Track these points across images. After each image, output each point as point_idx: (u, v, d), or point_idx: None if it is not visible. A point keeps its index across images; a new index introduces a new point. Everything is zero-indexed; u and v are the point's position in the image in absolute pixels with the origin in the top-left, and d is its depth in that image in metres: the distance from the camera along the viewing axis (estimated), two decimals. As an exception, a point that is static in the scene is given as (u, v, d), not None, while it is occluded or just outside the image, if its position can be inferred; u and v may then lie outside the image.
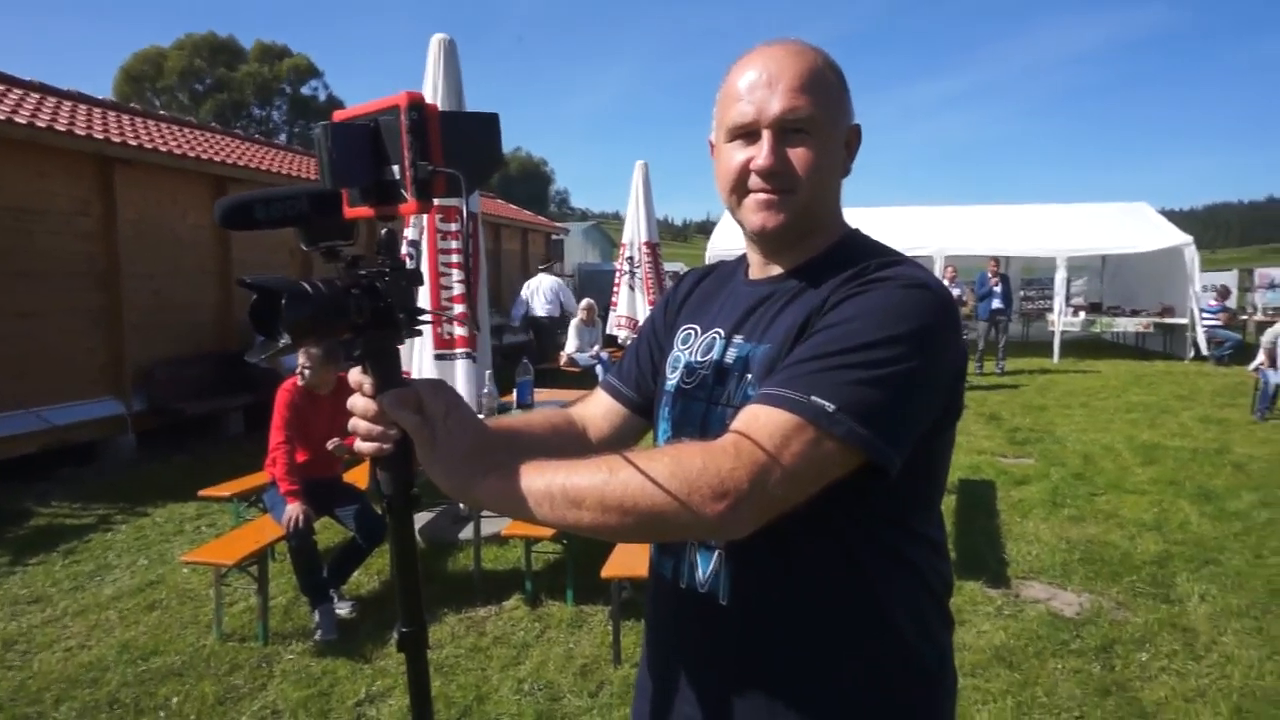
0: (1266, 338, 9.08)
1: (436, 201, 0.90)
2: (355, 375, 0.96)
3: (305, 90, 53.77)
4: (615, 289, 9.77)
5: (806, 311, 1.02)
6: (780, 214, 1.05)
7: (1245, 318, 17.46)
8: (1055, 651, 3.57)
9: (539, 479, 0.90)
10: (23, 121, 6.56)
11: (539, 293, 12.47)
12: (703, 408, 1.10)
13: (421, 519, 5.34)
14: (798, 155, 1.03)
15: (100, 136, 7.32)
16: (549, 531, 3.87)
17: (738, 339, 1.11)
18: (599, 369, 9.97)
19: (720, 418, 1.05)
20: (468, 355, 4.60)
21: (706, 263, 1.48)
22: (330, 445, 3.87)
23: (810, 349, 0.95)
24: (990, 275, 12.80)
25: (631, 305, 9.49)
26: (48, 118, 7.10)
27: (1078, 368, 13.64)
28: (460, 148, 0.89)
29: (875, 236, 1.15)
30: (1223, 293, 15.28)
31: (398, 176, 0.87)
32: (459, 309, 4.55)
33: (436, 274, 4.53)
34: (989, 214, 16.88)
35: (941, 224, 15.94)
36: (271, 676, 3.45)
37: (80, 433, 7.09)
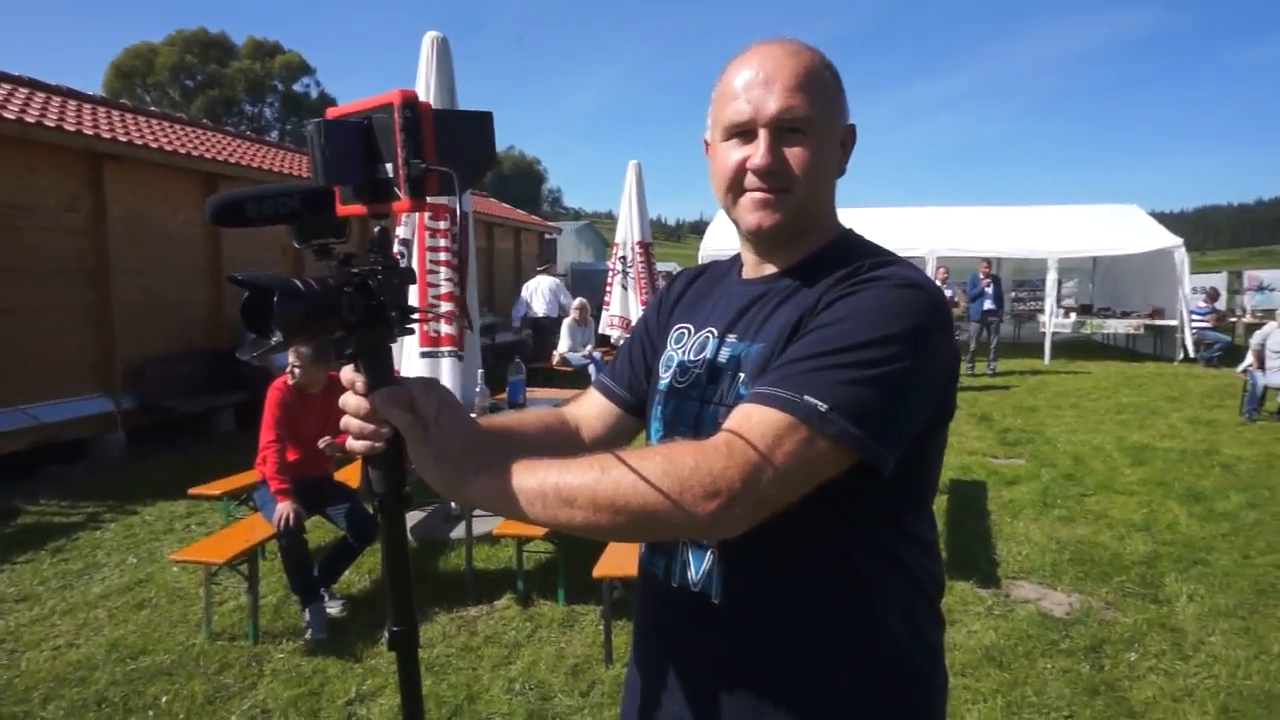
0: (1255, 340, 9.14)
1: (429, 200, 0.90)
2: (347, 373, 0.96)
3: (297, 87, 53.52)
4: (608, 289, 9.77)
5: (800, 311, 1.03)
6: (776, 213, 1.06)
7: (1234, 320, 17.59)
8: (1045, 651, 3.58)
9: (531, 478, 0.90)
10: (11, 117, 6.51)
11: (538, 293, 12.51)
12: (696, 407, 1.11)
13: (413, 518, 5.33)
14: (794, 154, 1.04)
15: (90, 132, 7.27)
16: (541, 531, 3.87)
17: (731, 338, 1.11)
18: (592, 368, 9.96)
19: (713, 417, 1.05)
20: (453, 354, 4.59)
21: (699, 262, 1.48)
22: (322, 444, 3.86)
23: (803, 348, 0.96)
24: (982, 276, 12.85)
25: (624, 305, 9.49)
26: (37, 113, 7.04)
27: (1068, 369, 13.70)
28: (453, 146, 0.89)
29: (868, 237, 1.15)
30: (1212, 295, 15.37)
31: (391, 174, 0.87)
32: (446, 307, 4.55)
33: (425, 272, 4.53)
34: (981, 215, 16.95)
35: (934, 225, 16.00)
36: (261, 675, 3.44)
37: (70, 430, 7.04)
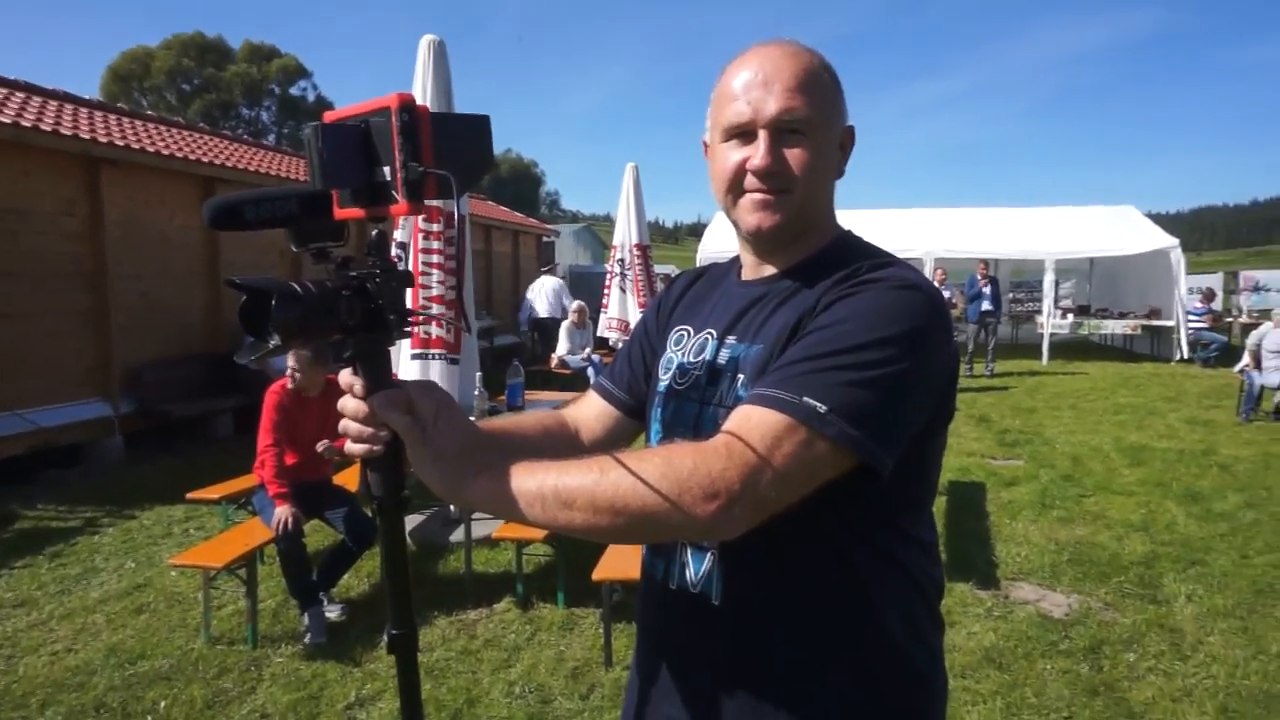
0: (1251, 340, 9.16)
1: (427, 203, 0.90)
2: (345, 376, 0.96)
3: (294, 91, 53.50)
4: (606, 291, 9.77)
5: (799, 312, 1.03)
6: (776, 214, 1.06)
7: (1231, 320, 17.62)
8: (1044, 652, 3.58)
9: (530, 480, 0.90)
10: (8, 121, 6.51)
11: (541, 294, 12.55)
12: (695, 408, 1.11)
13: (412, 521, 5.33)
14: (794, 155, 1.04)
15: (86, 136, 7.26)
16: (540, 534, 3.87)
17: (730, 340, 1.11)
18: (590, 371, 9.96)
19: (713, 418, 1.05)
20: (443, 357, 4.58)
21: (698, 265, 1.48)
22: (320, 447, 3.86)
23: (802, 350, 0.96)
24: (980, 277, 12.87)
25: (622, 307, 9.49)
26: (33, 117, 7.04)
27: (1066, 370, 13.72)
28: (451, 149, 0.89)
29: (866, 239, 1.15)
30: (1208, 295, 15.41)
31: (388, 178, 0.87)
32: (436, 309, 4.55)
33: (418, 274, 4.54)
34: (978, 217, 16.97)
35: (931, 226, 16.02)
36: (261, 680, 3.43)
37: (67, 435, 7.03)
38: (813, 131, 1.04)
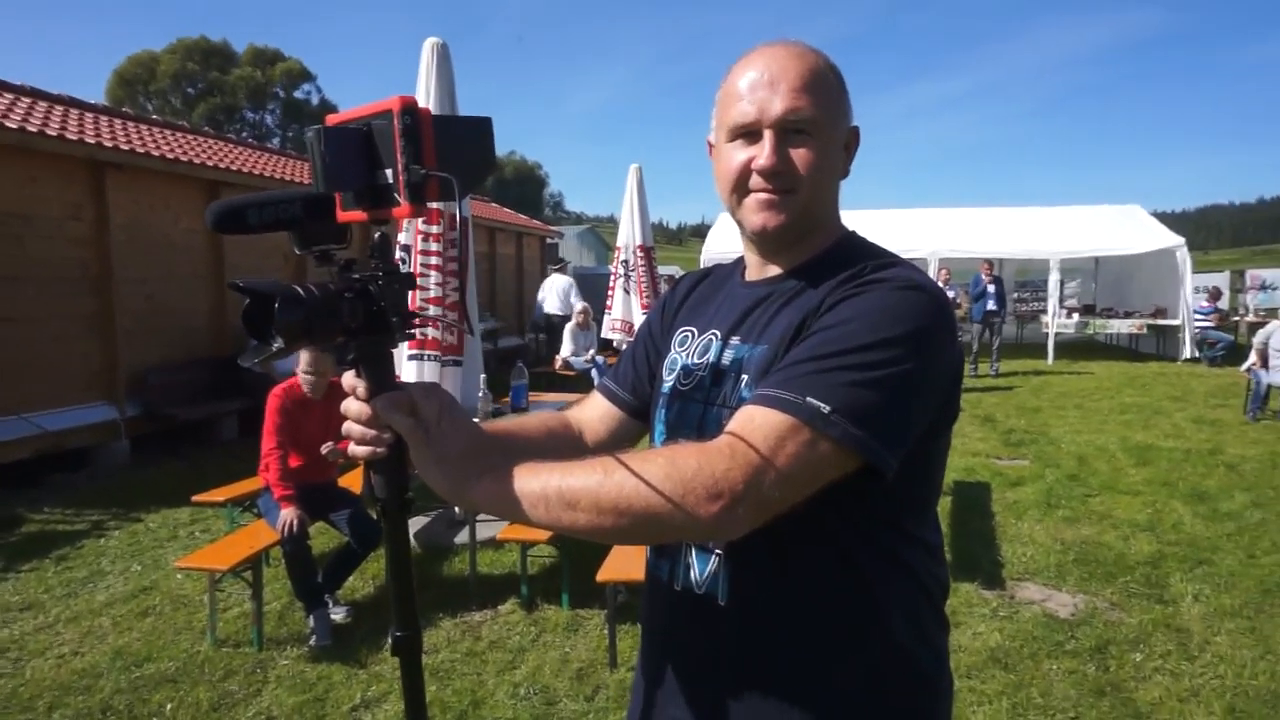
0: (1258, 338, 9.13)
1: (429, 205, 0.90)
2: (349, 379, 0.96)
3: (298, 94, 53.65)
4: (610, 293, 9.78)
5: (803, 313, 1.03)
6: (781, 214, 1.06)
7: (1237, 319, 17.56)
8: (1050, 653, 3.57)
9: (534, 481, 0.90)
10: (14, 126, 6.54)
11: (552, 292, 12.59)
12: (699, 409, 1.11)
13: (417, 523, 5.33)
14: (799, 155, 1.04)
15: (92, 141, 7.29)
16: (545, 535, 3.87)
17: (734, 340, 1.11)
18: (594, 372, 9.97)
19: (717, 419, 1.05)
20: (438, 358, 4.57)
21: (701, 266, 1.48)
22: (324, 450, 3.86)
23: (806, 350, 0.96)
24: (984, 277, 12.85)
25: (626, 309, 9.50)
26: (39, 122, 7.07)
27: (1072, 369, 13.69)
28: (453, 152, 0.89)
29: (870, 239, 1.15)
30: (1214, 294, 15.38)
31: (391, 180, 0.87)
32: (433, 310, 4.55)
33: (417, 276, 4.54)
34: (983, 216, 16.95)
35: (936, 226, 15.99)
36: (266, 682, 3.44)
37: (73, 438, 7.05)
38: (818, 132, 1.04)
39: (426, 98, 4.61)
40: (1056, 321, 15.07)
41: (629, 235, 9.52)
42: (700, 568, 1.08)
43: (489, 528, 4.66)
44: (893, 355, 0.93)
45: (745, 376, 1.06)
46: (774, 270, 1.14)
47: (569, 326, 10.75)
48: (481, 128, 0.95)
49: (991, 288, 12.73)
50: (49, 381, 6.92)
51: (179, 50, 48.56)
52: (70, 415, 7.05)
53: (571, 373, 10.18)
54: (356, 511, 4.04)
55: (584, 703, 3.24)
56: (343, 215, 0.93)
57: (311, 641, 3.71)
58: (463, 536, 4.89)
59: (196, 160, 8.70)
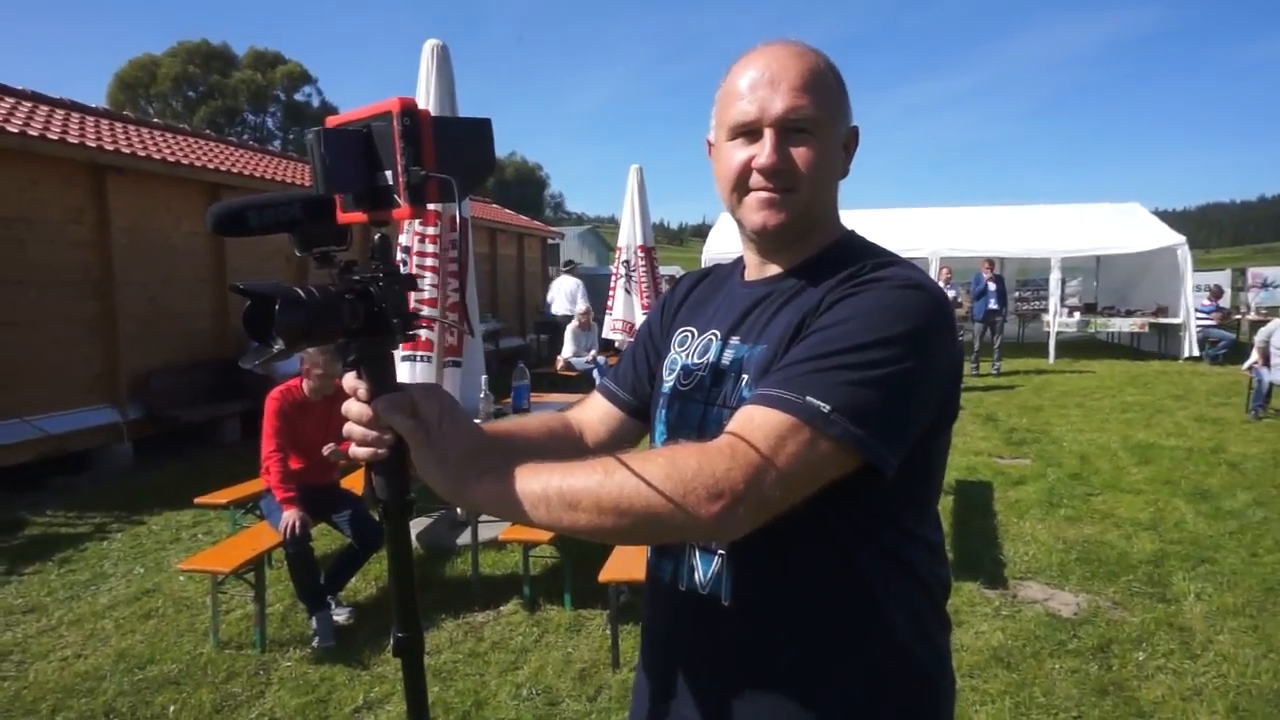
0: (1260, 336, 9.11)
1: (429, 206, 0.91)
2: (349, 380, 0.96)
3: (299, 97, 53.73)
4: (611, 293, 9.78)
5: (802, 312, 1.03)
6: (781, 213, 1.06)
7: (1239, 317, 17.54)
8: (1053, 652, 3.57)
9: (535, 481, 0.90)
10: (14, 130, 6.55)
11: (560, 293, 12.65)
12: (700, 409, 1.11)
13: (419, 524, 5.34)
14: (800, 154, 1.04)
15: (93, 144, 7.30)
16: (547, 536, 3.87)
17: (734, 340, 1.11)
18: (595, 373, 9.97)
19: (717, 419, 1.05)
20: (428, 358, 4.56)
21: (703, 266, 1.48)
22: (326, 451, 3.84)
23: (806, 350, 0.96)
24: (985, 276, 12.84)
25: (627, 309, 9.51)
26: (40, 126, 7.08)
27: (1073, 368, 13.68)
28: (453, 153, 0.89)
29: (871, 239, 1.15)
30: (1216, 292, 15.36)
31: (390, 182, 0.87)
32: (427, 311, 4.55)
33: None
34: (983, 215, 16.95)
35: (936, 225, 15.99)
36: (269, 684, 3.44)
37: (76, 441, 7.06)
38: (819, 131, 1.04)
39: (426, 99, 4.62)
40: (1058, 320, 15.06)
41: (630, 235, 9.53)
42: (704, 569, 1.08)
43: (491, 528, 4.66)
44: (892, 354, 0.93)
45: (745, 376, 1.06)
46: (773, 270, 1.14)
47: (570, 327, 10.76)
48: (481, 129, 0.95)
49: (993, 286, 12.72)
50: (51, 385, 6.93)
51: (180, 53, 48.64)
52: (72, 418, 7.05)
53: (573, 373, 10.19)
54: (358, 512, 4.04)
55: (586, 703, 3.24)
56: (343, 217, 0.93)
57: (314, 643, 3.71)
58: (465, 537, 4.89)
59: (198, 163, 8.70)
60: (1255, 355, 9.00)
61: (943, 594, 1.13)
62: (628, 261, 9.52)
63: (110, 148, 7.49)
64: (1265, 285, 18.70)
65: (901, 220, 16.21)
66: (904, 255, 1.08)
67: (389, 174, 0.87)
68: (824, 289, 1.03)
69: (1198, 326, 14.25)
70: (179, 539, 5.41)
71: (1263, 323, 10.54)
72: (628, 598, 3.70)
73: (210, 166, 8.87)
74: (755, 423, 0.90)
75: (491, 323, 14.12)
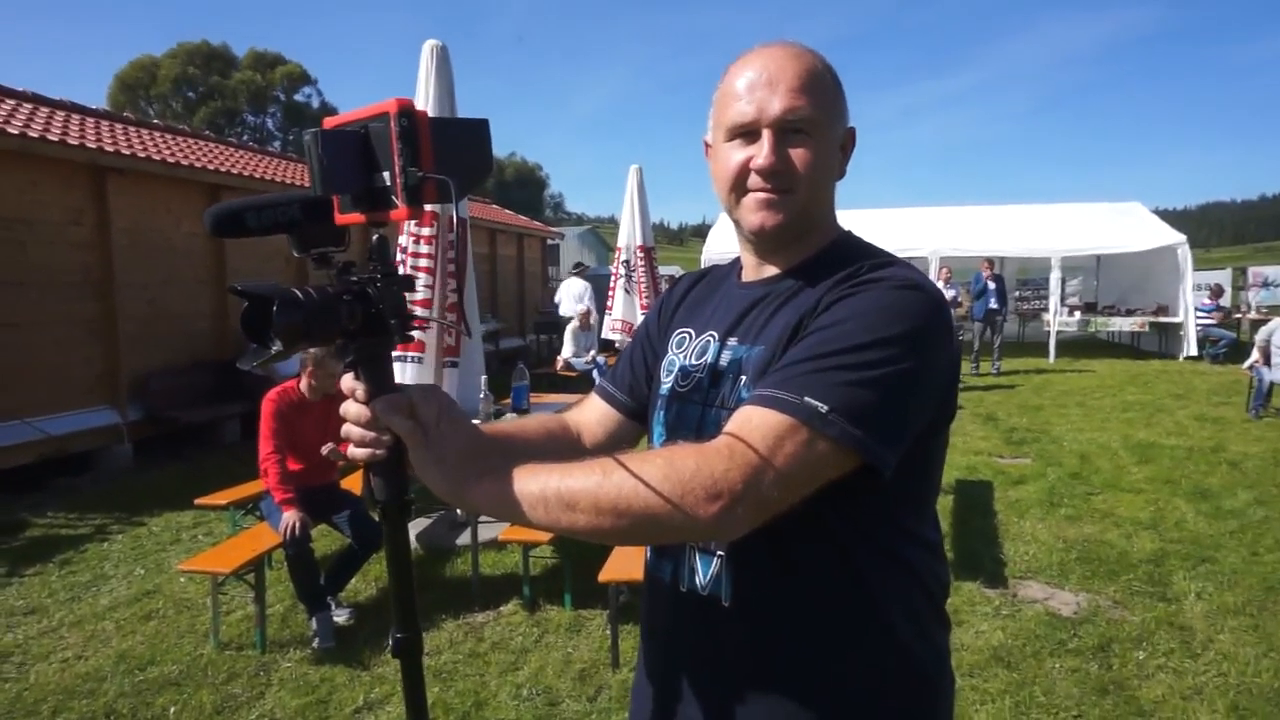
0: (1260, 336, 9.11)
1: (427, 207, 0.91)
2: (347, 381, 0.96)
3: (299, 97, 53.72)
4: (610, 293, 9.78)
5: (800, 313, 1.03)
6: (779, 213, 1.06)
7: (1239, 316, 17.54)
8: (1053, 651, 3.57)
9: (533, 482, 0.90)
10: (15, 132, 6.55)
11: (569, 295, 12.69)
12: (698, 410, 1.11)
13: (419, 525, 5.34)
14: (797, 155, 1.04)
15: (93, 145, 7.31)
16: (546, 536, 3.88)
17: (732, 341, 1.11)
18: (595, 374, 9.97)
19: (715, 420, 1.05)
20: (418, 359, 4.55)
21: (702, 266, 1.48)
22: (325, 450, 3.85)
23: (803, 350, 0.96)
24: (985, 275, 12.84)
25: (627, 309, 9.50)
26: (40, 127, 7.08)
27: (1073, 367, 13.68)
28: (450, 154, 0.89)
29: (870, 238, 1.15)
30: (1216, 291, 15.35)
31: (388, 183, 0.87)
32: (420, 312, 4.55)
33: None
34: (983, 215, 16.95)
35: (936, 225, 15.99)
36: (269, 685, 3.44)
37: (76, 442, 7.06)
38: (816, 132, 1.05)
39: (426, 100, 4.62)
40: (1058, 320, 15.06)
41: (630, 236, 9.52)
42: (704, 570, 1.08)
43: (491, 529, 4.66)
44: (890, 354, 0.93)
45: (743, 377, 1.06)
46: (771, 270, 1.14)
47: (570, 327, 10.77)
48: (478, 130, 0.95)
49: (992, 286, 12.72)
50: (51, 386, 6.94)
51: (180, 55, 48.66)
52: (73, 419, 7.06)
53: (573, 373, 10.19)
54: (357, 512, 4.04)
55: (586, 703, 3.24)
56: (341, 218, 0.93)
57: (315, 644, 3.71)
58: (465, 538, 4.89)
59: (198, 164, 8.70)
60: (1256, 354, 9.00)
61: (942, 593, 1.13)
62: (627, 262, 9.52)
63: (110, 149, 7.49)
64: (1266, 284, 18.70)
65: (901, 220, 16.22)
66: (903, 255, 1.08)
67: (386, 175, 0.87)
68: (821, 290, 1.03)
69: (1198, 325, 14.25)
70: (179, 540, 5.42)
71: (1263, 322, 10.54)
72: (627, 598, 3.70)
73: (210, 167, 8.87)
74: (753, 423, 0.90)
75: (491, 323, 14.12)
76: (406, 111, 0.85)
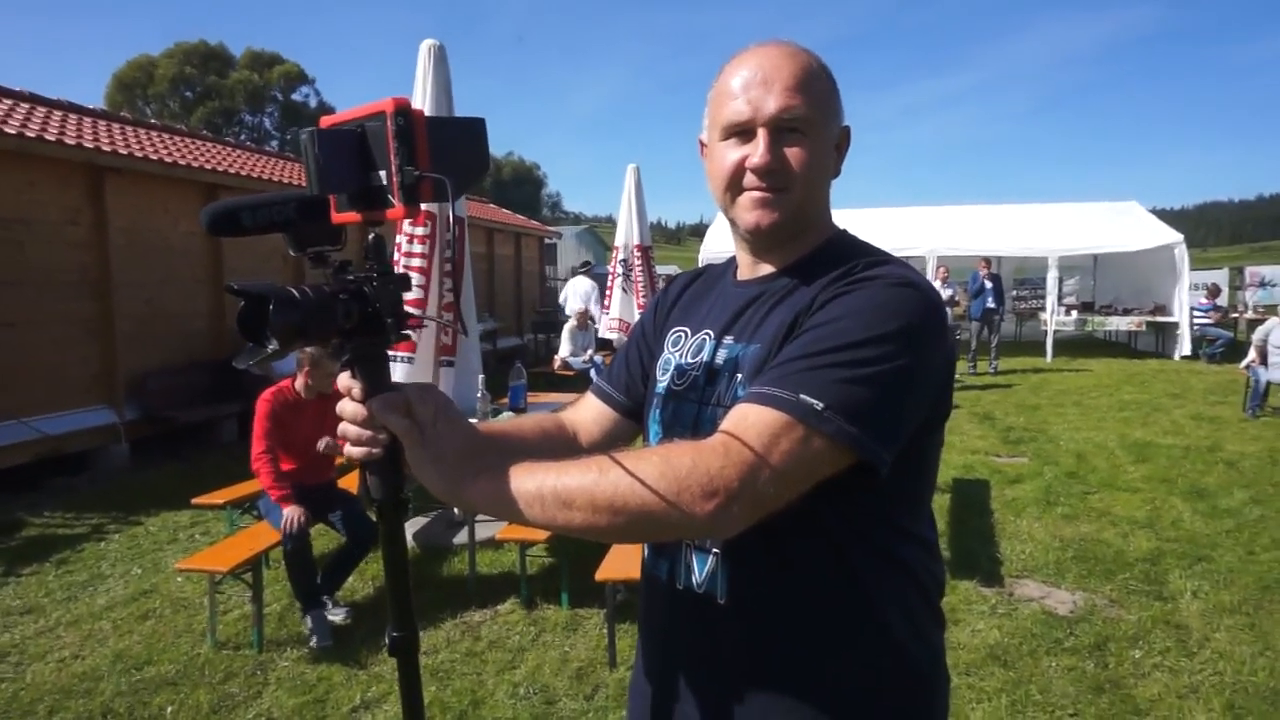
0: (1257, 335, 9.13)
1: (423, 206, 0.91)
2: (344, 380, 0.96)
3: (296, 97, 53.60)
4: (608, 292, 9.78)
5: (795, 311, 1.03)
6: (775, 212, 1.06)
7: (1236, 315, 17.58)
8: (1049, 650, 3.58)
9: (529, 480, 0.90)
10: (12, 131, 6.54)
11: (574, 293, 12.71)
12: (694, 409, 1.11)
13: (416, 524, 5.34)
14: (793, 154, 1.04)
15: (90, 145, 7.29)
16: (543, 535, 3.88)
17: (728, 340, 1.11)
18: (593, 373, 9.97)
19: (711, 418, 1.06)
20: (408, 359, 4.54)
21: (700, 265, 1.48)
22: (321, 445, 3.85)
23: (799, 348, 0.96)
24: (982, 274, 12.85)
25: (624, 309, 9.49)
26: (38, 127, 7.07)
27: (1070, 366, 13.69)
28: (447, 153, 0.89)
29: (868, 238, 1.15)
30: (1213, 291, 15.37)
31: (384, 182, 0.87)
32: (414, 312, 4.54)
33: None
34: (981, 214, 16.96)
35: (933, 224, 16.01)
36: (266, 684, 3.44)
37: (73, 442, 7.05)
38: (811, 131, 1.05)
39: (423, 99, 4.61)
40: (1055, 319, 15.08)
41: (627, 235, 9.51)
42: (699, 568, 1.08)
43: (488, 528, 4.66)
44: (885, 352, 0.93)
45: (739, 375, 1.06)
46: (766, 269, 1.14)
47: (567, 326, 10.76)
48: (474, 129, 0.96)
49: (990, 285, 12.73)
50: (48, 385, 6.92)
51: (177, 54, 48.53)
52: (70, 419, 7.05)
53: (570, 373, 10.19)
54: (351, 510, 4.05)
55: (583, 702, 3.24)
56: (337, 217, 0.93)
57: (311, 643, 3.71)
58: (462, 537, 4.89)
59: (195, 164, 8.69)
60: (1253, 354, 9.02)
61: (937, 592, 1.13)
62: (625, 261, 9.52)
63: (108, 148, 7.48)
64: (1263, 284, 18.76)
65: (899, 219, 16.24)
66: (901, 254, 1.08)
67: (383, 174, 0.87)
68: (816, 288, 1.03)
69: (1195, 325, 14.28)
70: (176, 539, 5.41)
71: (1260, 321, 10.56)
72: (624, 597, 3.70)
73: (207, 167, 8.86)
74: (749, 421, 0.90)
75: (488, 322, 14.11)
76: (403, 110, 0.85)
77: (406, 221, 4.51)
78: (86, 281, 7.36)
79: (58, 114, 8.29)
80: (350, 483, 4.50)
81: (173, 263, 8.35)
